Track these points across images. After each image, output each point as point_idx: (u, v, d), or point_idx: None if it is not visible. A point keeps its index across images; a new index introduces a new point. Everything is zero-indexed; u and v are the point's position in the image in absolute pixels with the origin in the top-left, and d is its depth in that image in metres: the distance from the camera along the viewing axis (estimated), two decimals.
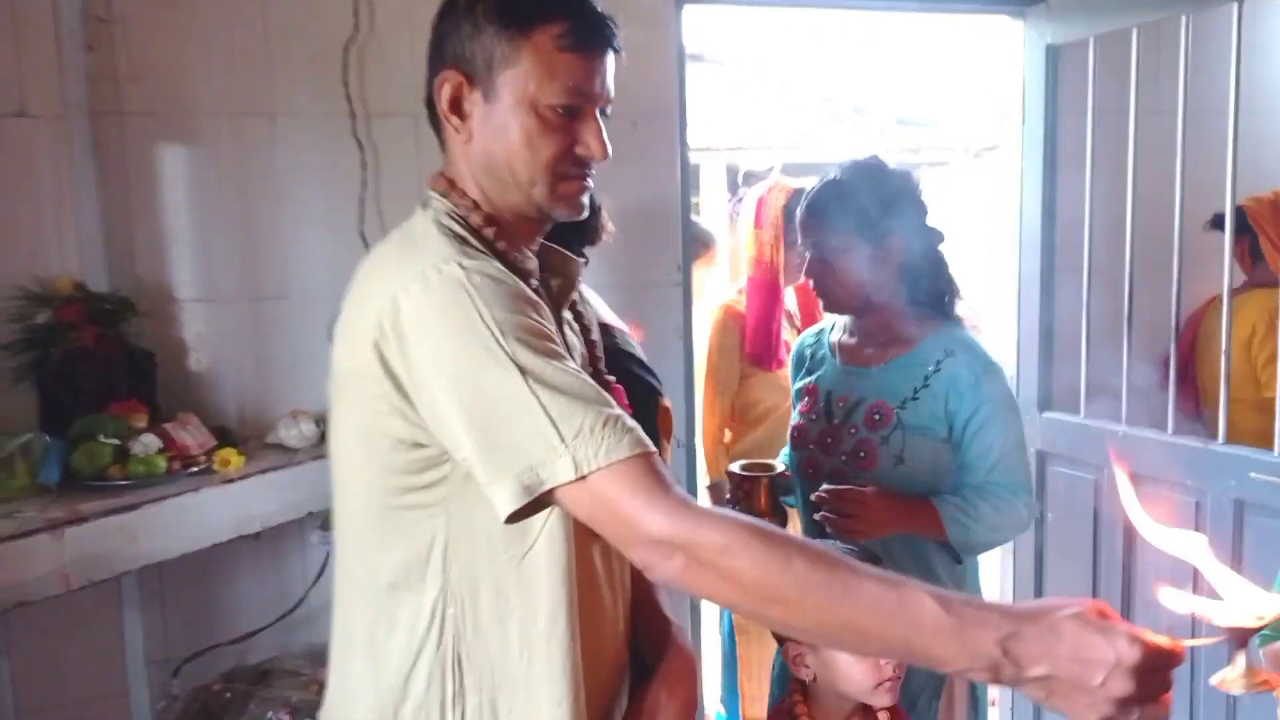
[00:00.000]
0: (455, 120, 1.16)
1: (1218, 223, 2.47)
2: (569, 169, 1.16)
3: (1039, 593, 2.72)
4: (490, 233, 1.17)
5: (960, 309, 1.87)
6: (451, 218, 1.16)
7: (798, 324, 2.74)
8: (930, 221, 1.84)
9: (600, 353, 1.36)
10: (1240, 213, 2.37)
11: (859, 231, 1.75)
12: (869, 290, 1.78)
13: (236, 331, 2.30)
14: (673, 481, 1.03)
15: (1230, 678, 0.93)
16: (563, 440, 1.00)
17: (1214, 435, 2.29)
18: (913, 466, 1.74)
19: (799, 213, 1.86)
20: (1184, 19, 2.29)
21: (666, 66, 2.43)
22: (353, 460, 1.15)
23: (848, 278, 1.77)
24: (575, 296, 1.33)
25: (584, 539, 1.14)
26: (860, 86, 8.44)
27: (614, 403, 1.06)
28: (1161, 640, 0.86)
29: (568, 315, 1.30)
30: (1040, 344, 2.68)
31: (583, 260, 1.33)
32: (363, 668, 1.18)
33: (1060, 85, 2.64)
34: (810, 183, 1.88)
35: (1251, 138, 2.26)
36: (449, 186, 1.19)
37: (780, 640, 1.56)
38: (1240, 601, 0.92)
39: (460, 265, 1.06)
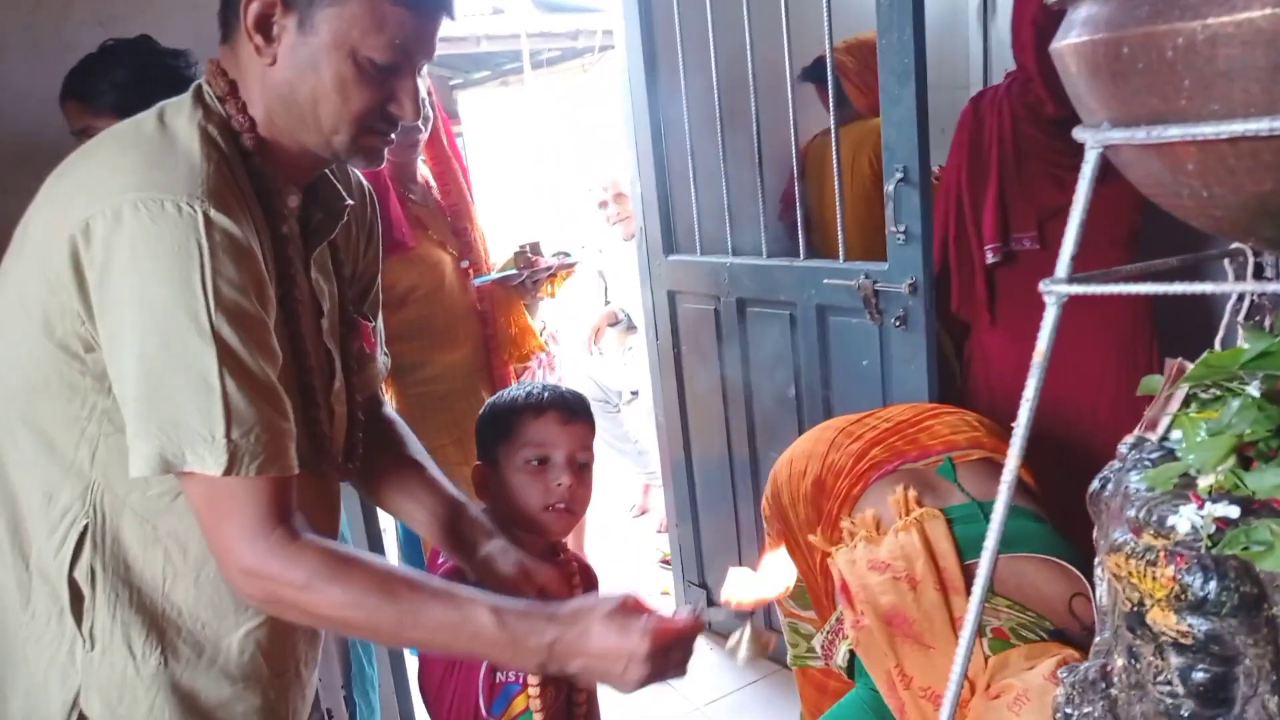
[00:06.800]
0: (259, 40, 1.06)
1: (807, 75, 2.88)
2: (377, 124, 1.10)
3: (683, 413, 3.16)
4: (258, 161, 1.10)
5: None
6: (219, 128, 1.08)
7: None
8: None
9: (356, 293, 1.34)
10: (820, 64, 2.65)
11: None
12: None
13: None
14: (287, 512, 1.05)
15: (733, 644, 1.20)
16: (226, 434, 0.99)
17: (833, 255, 2.60)
18: None
19: None
20: None
21: None
22: (12, 326, 1.08)
23: None
24: (352, 235, 1.31)
25: None
26: None
27: (289, 417, 1.06)
28: (679, 623, 1.07)
29: (322, 261, 1.25)
30: (658, 200, 3.01)
31: (349, 202, 1.27)
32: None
33: None
34: None
35: None
36: (228, 90, 1.10)
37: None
38: (761, 581, 1.17)
39: (206, 215, 0.98)
